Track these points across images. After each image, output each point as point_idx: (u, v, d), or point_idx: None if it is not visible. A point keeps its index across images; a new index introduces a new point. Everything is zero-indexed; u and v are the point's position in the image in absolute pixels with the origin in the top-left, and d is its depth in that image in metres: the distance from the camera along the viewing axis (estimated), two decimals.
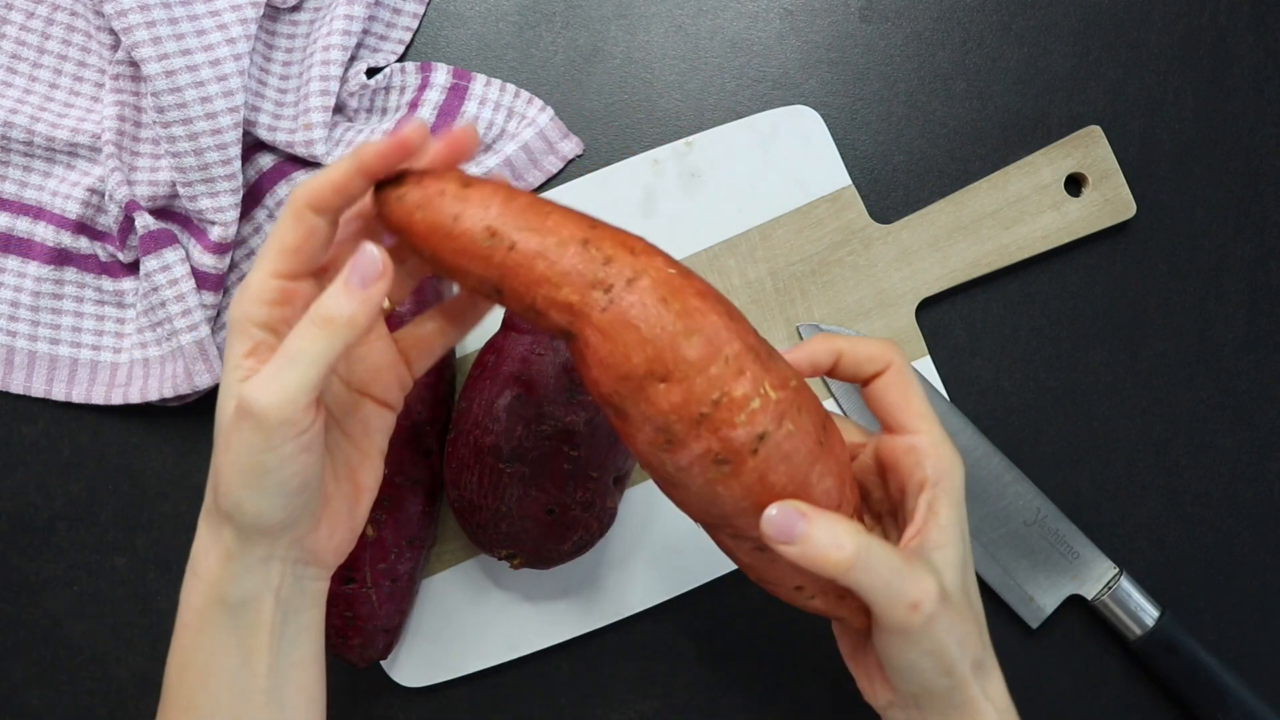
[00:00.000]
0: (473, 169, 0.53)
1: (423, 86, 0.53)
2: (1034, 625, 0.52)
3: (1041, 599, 0.51)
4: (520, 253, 0.32)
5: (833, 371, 0.38)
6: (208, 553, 0.35)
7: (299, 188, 0.33)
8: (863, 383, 0.38)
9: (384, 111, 0.54)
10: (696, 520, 0.35)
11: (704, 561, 0.52)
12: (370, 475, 0.37)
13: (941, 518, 0.36)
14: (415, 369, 0.38)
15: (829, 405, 0.53)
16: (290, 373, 0.31)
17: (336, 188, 0.32)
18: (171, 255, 0.51)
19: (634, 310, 0.32)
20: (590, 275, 0.32)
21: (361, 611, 0.47)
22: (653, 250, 0.34)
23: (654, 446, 0.32)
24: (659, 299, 0.32)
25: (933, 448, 0.36)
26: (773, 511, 0.33)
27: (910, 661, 0.35)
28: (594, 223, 0.34)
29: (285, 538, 0.34)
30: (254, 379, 0.32)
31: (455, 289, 0.43)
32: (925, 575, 0.34)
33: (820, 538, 0.33)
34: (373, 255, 0.32)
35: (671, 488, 0.34)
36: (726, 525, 0.34)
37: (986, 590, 0.53)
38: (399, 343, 0.38)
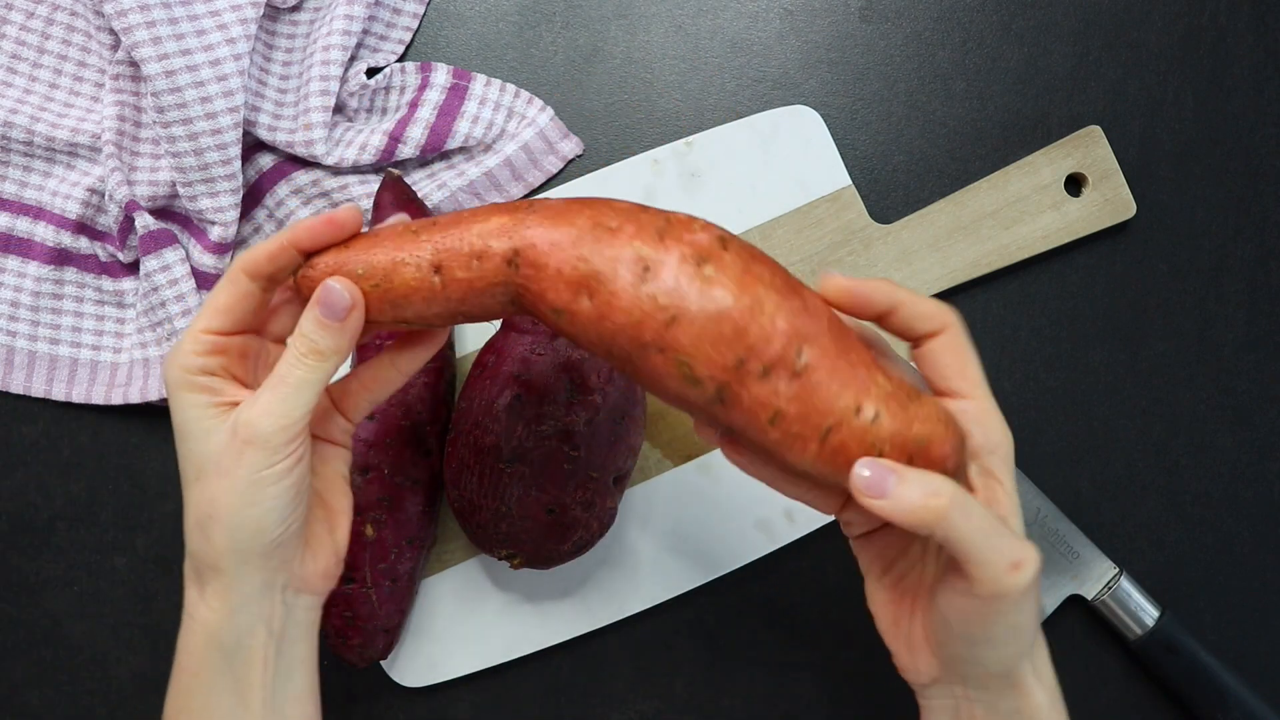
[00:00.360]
0: (473, 169, 0.53)
1: (423, 86, 0.53)
2: None
3: (1041, 599, 0.51)
4: (443, 222, 0.35)
5: (883, 320, 0.36)
6: (203, 595, 0.36)
7: (239, 256, 0.36)
8: (914, 342, 0.36)
9: (384, 111, 0.54)
10: (719, 376, 0.33)
11: (704, 561, 0.52)
12: (339, 498, 0.40)
13: (1006, 485, 0.35)
14: (351, 417, 0.40)
15: None
16: (292, 398, 0.34)
17: (270, 256, 0.35)
18: (171, 255, 0.51)
19: (558, 203, 0.35)
20: (512, 206, 0.35)
21: (361, 611, 0.47)
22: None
23: (637, 284, 0.32)
24: (569, 199, 0.35)
25: (984, 414, 0.35)
26: (865, 471, 0.32)
27: (992, 636, 0.34)
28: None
29: (277, 558, 0.36)
30: (253, 407, 0.34)
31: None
32: (1023, 538, 0.33)
33: (911, 490, 0.32)
34: (339, 290, 0.35)
35: (678, 332, 0.32)
36: (746, 350, 0.32)
37: None
38: (330, 393, 0.40)
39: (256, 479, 0.34)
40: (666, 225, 0.33)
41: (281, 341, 0.39)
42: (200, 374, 0.35)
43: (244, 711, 0.36)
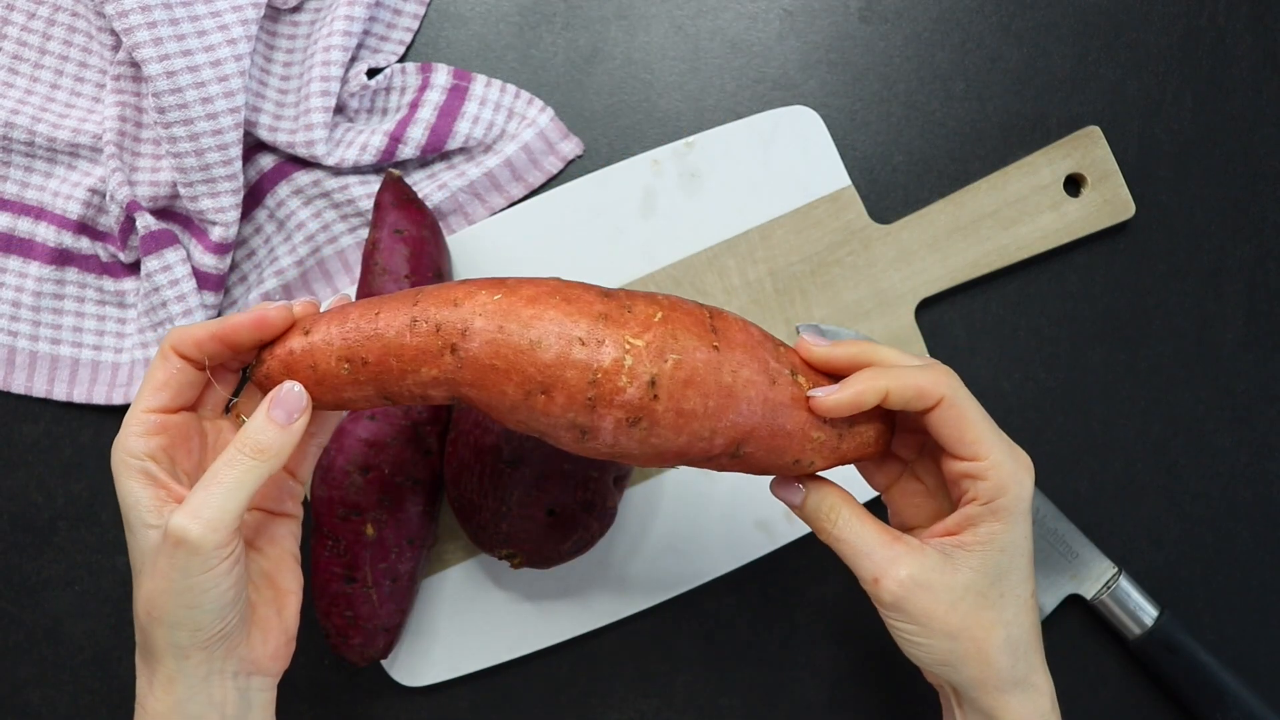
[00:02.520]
0: (474, 170, 0.53)
1: (423, 87, 0.54)
2: None
3: (1041, 598, 0.52)
4: (372, 365, 0.35)
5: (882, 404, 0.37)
6: (150, 686, 0.36)
7: (169, 334, 0.37)
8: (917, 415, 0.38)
9: (384, 112, 0.54)
10: (667, 465, 0.37)
11: (704, 561, 0.52)
12: (289, 579, 0.40)
13: (981, 529, 0.37)
14: (300, 477, 0.41)
15: None
16: (221, 500, 0.34)
17: (197, 341, 0.36)
18: (172, 255, 0.51)
19: (482, 353, 0.34)
20: (433, 347, 0.35)
21: (362, 611, 0.47)
22: (472, 288, 0.36)
23: (579, 441, 0.35)
24: (497, 329, 0.34)
25: (990, 470, 0.36)
26: (783, 485, 0.39)
27: (898, 636, 0.38)
28: (415, 294, 0.36)
29: (221, 649, 0.36)
30: (183, 510, 0.34)
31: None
32: (901, 560, 0.36)
33: (812, 502, 0.38)
34: (296, 392, 0.35)
35: (627, 459, 0.36)
36: (695, 457, 0.36)
37: None
38: None
39: (189, 584, 0.34)
40: (596, 386, 0.34)
41: (219, 416, 0.39)
42: (145, 458, 0.35)
43: None
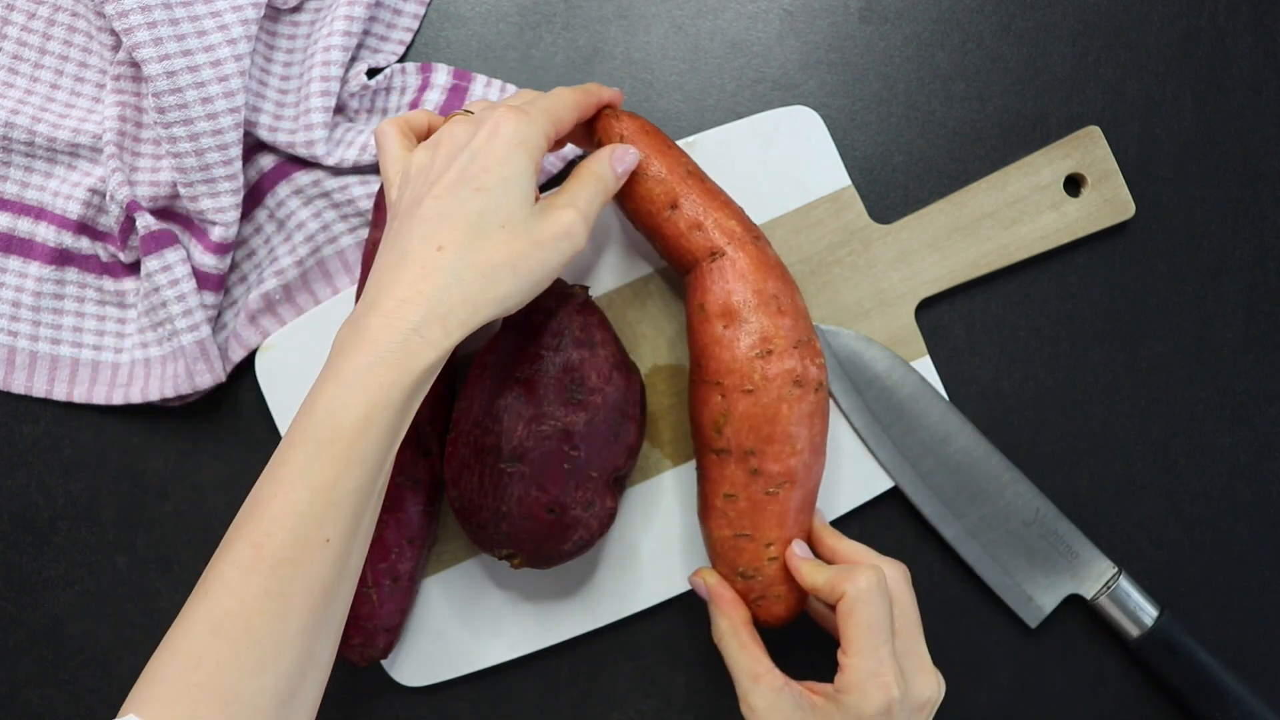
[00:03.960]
0: None
1: (423, 87, 0.54)
2: (1033, 625, 0.52)
3: (1040, 599, 0.52)
4: (706, 187, 0.46)
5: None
6: (445, 325, 0.39)
7: (587, 89, 0.46)
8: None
9: (384, 112, 0.54)
10: (733, 445, 0.44)
11: (704, 561, 0.52)
12: None
13: (826, 705, 0.41)
14: None
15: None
16: (592, 209, 0.42)
17: (597, 104, 0.46)
18: (172, 255, 0.51)
19: (770, 255, 0.46)
20: (745, 222, 0.46)
21: (362, 611, 0.48)
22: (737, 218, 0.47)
23: (756, 354, 0.43)
24: (772, 259, 0.46)
25: (846, 668, 0.41)
26: (699, 581, 0.46)
27: None
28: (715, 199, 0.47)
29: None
30: (576, 208, 0.41)
31: None
32: (758, 693, 0.42)
33: (715, 614, 0.45)
34: (635, 153, 0.45)
35: (744, 400, 0.43)
36: (762, 452, 0.44)
37: (985, 590, 0.53)
38: None
39: (558, 264, 0.40)
40: (806, 341, 0.45)
41: None
42: (538, 150, 0.41)
43: (382, 473, 0.39)
